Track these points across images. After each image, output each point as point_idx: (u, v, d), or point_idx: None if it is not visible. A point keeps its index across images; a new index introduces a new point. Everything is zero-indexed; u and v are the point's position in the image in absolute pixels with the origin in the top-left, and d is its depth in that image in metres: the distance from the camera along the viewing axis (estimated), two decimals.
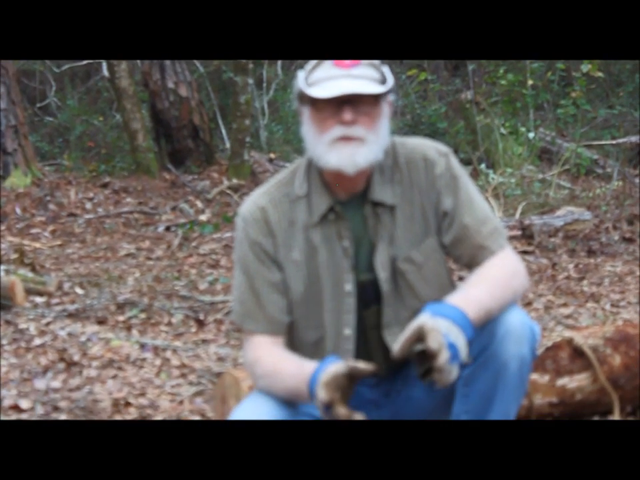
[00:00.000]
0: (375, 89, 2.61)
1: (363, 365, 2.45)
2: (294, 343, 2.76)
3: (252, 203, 2.76)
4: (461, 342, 2.41)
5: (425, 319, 2.42)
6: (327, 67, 2.63)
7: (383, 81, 2.65)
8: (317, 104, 2.62)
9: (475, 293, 2.56)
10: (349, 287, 2.70)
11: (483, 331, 2.57)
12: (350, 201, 2.72)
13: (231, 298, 2.83)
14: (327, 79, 2.60)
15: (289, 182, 2.77)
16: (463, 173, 2.76)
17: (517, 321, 2.58)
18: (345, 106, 2.59)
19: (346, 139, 2.61)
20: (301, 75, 2.67)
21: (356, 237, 2.71)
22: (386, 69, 2.69)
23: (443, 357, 2.37)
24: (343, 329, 2.71)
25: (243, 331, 2.79)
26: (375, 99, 2.63)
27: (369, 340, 2.74)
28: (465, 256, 2.70)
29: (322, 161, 2.64)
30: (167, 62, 11.53)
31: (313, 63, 2.67)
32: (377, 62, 2.67)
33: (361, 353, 2.72)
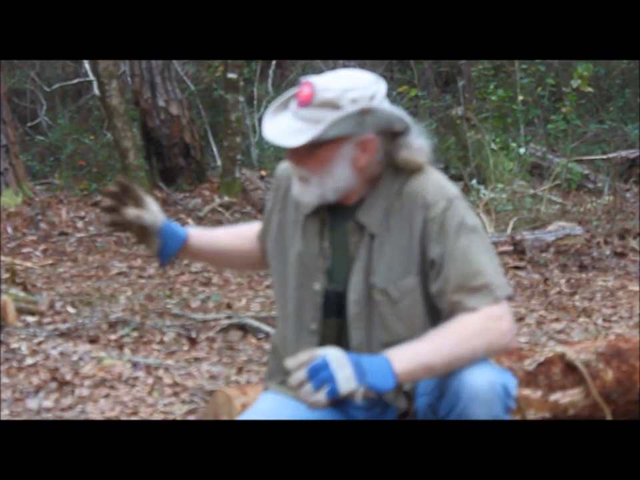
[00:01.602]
0: (295, 139, 2.56)
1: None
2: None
3: (281, 168, 2.87)
4: (342, 374, 2.39)
5: (324, 349, 2.45)
6: (289, 97, 2.64)
7: (336, 123, 2.55)
8: None
9: (417, 347, 2.49)
10: (318, 286, 2.69)
11: (449, 391, 2.51)
12: (341, 210, 2.70)
13: None
14: (277, 109, 2.65)
15: None
16: (464, 220, 2.62)
17: (484, 382, 2.48)
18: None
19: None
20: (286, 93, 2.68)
21: (336, 246, 2.71)
22: (352, 109, 2.57)
23: (294, 377, 2.40)
24: (309, 324, 2.71)
25: None
26: (317, 145, 2.58)
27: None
28: (446, 308, 2.60)
29: None
30: (158, 80, 11.54)
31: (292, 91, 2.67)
32: (341, 100, 2.56)
33: None
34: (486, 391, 2.47)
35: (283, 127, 2.59)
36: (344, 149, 2.61)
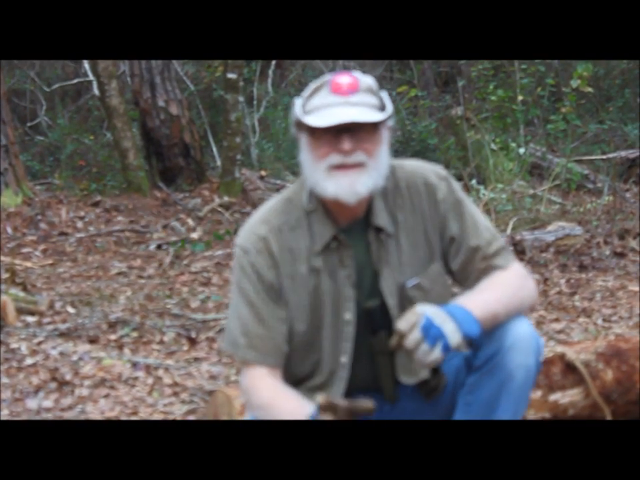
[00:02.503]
0: (373, 116, 2.57)
1: (362, 403, 2.47)
2: (288, 372, 2.74)
3: (252, 233, 2.71)
4: (448, 327, 2.45)
5: (414, 308, 2.50)
6: (325, 94, 2.59)
7: (382, 107, 2.61)
8: (315, 132, 2.59)
9: (483, 296, 2.60)
10: (349, 315, 2.68)
11: (490, 340, 2.58)
12: (351, 228, 2.69)
13: (229, 326, 2.77)
14: (325, 106, 2.57)
15: (286, 210, 2.72)
16: (463, 194, 2.75)
17: (525, 331, 2.60)
18: (344, 135, 2.55)
19: (344, 167, 2.57)
20: (298, 101, 2.64)
21: (358, 264, 2.69)
22: (384, 94, 2.65)
23: (411, 338, 2.44)
24: (339, 357, 2.69)
25: (240, 361, 2.75)
26: (374, 126, 2.59)
27: (379, 365, 2.72)
28: (473, 277, 2.69)
29: (319, 188, 2.61)
30: (158, 80, 11.54)
31: (310, 89, 2.63)
32: (375, 87, 2.63)
33: (370, 378, 2.72)
34: (527, 340, 2.59)
35: (349, 111, 2.55)
36: (385, 132, 2.65)
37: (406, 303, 2.67)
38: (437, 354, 2.44)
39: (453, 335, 2.45)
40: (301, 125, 2.63)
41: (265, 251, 2.68)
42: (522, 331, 2.59)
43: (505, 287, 2.64)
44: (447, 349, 2.44)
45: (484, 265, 2.68)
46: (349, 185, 2.57)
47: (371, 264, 2.69)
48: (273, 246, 2.68)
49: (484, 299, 2.58)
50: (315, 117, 2.57)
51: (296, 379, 2.73)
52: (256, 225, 2.72)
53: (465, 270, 2.71)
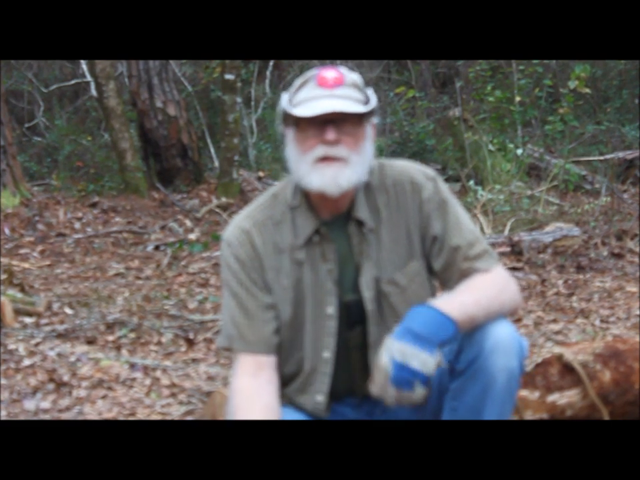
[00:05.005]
0: (358, 108, 2.59)
1: None
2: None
3: (236, 227, 2.75)
4: (419, 360, 2.44)
5: (378, 359, 2.49)
6: (311, 88, 2.62)
7: (366, 102, 2.64)
8: (300, 124, 2.62)
9: (459, 298, 2.59)
10: (331, 309, 2.69)
11: (471, 343, 2.58)
12: (334, 221, 2.71)
13: (221, 322, 2.80)
14: (310, 99, 2.60)
15: (271, 205, 2.75)
16: (450, 195, 2.75)
17: (506, 334, 2.58)
18: (328, 126, 2.58)
19: (329, 159, 2.59)
20: (284, 96, 2.67)
21: (340, 258, 2.70)
22: (369, 90, 2.68)
23: (387, 399, 2.47)
24: (322, 352, 2.70)
25: (233, 352, 2.77)
26: (359, 120, 2.62)
27: (352, 361, 2.73)
28: (455, 278, 2.69)
29: (305, 181, 2.63)
30: (155, 81, 11.55)
31: (297, 84, 2.66)
32: (360, 83, 2.66)
33: (343, 374, 2.72)
34: (507, 342, 2.57)
35: (334, 102, 2.58)
36: (369, 128, 2.67)
37: (381, 297, 2.69)
38: (418, 391, 2.45)
39: (426, 365, 2.44)
40: (287, 119, 2.66)
41: (247, 244, 2.71)
42: (502, 333, 2.58)
43: (484, 289, 2.63)
44: (425, 381, 2.44)
45: (465, 266, 2.67)
46: (333, 178, 2.60)
47: (352, 258, 2.71)
48: (256, 239, 2.71)
49: (461, 300, 2.57)
50: (301, 109, 2.60)
51: (283, 380, 2.74)
52: (241, 219, 2.77)
53: (448, 270, 2.70)
